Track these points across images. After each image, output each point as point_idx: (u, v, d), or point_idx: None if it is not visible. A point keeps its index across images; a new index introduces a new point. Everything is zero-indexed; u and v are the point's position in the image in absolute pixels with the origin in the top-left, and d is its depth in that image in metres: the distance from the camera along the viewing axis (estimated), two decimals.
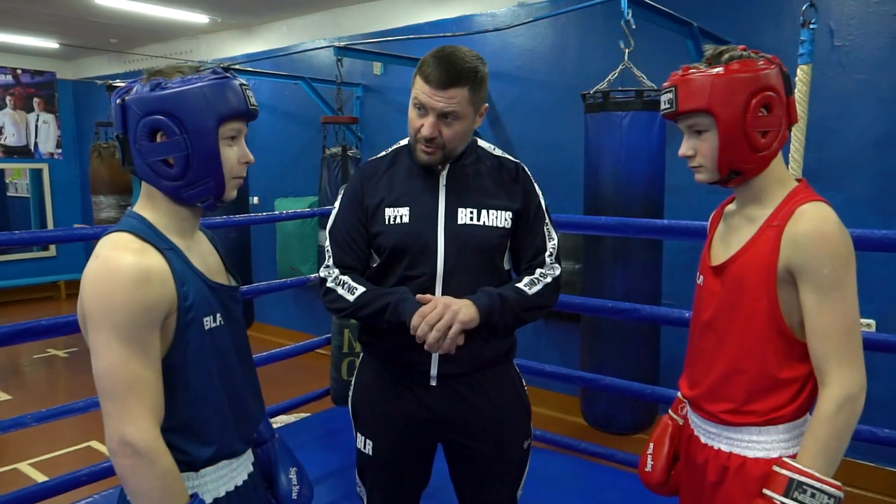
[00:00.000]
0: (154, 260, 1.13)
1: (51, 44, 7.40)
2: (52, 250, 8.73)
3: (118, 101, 1.16)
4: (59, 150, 8.74)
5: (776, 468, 1.26)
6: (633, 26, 2.89)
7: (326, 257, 1.67)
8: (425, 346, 1.47)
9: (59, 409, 2.50)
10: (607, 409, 3.00)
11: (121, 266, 1.08)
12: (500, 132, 4.72)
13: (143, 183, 1.20)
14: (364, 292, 1.58)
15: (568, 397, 4.26)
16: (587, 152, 2.94)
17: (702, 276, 1.44)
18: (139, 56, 7.60)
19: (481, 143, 1.74)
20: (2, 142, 8.24)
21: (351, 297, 1.58)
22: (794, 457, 1.28)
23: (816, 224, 1.26)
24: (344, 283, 1.61)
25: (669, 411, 1.60)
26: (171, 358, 1.14)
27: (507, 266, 1.71)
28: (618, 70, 2.97)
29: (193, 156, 1.15)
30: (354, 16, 5.66)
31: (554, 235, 1.72)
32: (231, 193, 1.22)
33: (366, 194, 1.65)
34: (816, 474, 1.22)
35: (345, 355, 3.07)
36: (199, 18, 6.13)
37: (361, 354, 1.78)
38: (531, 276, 1.65)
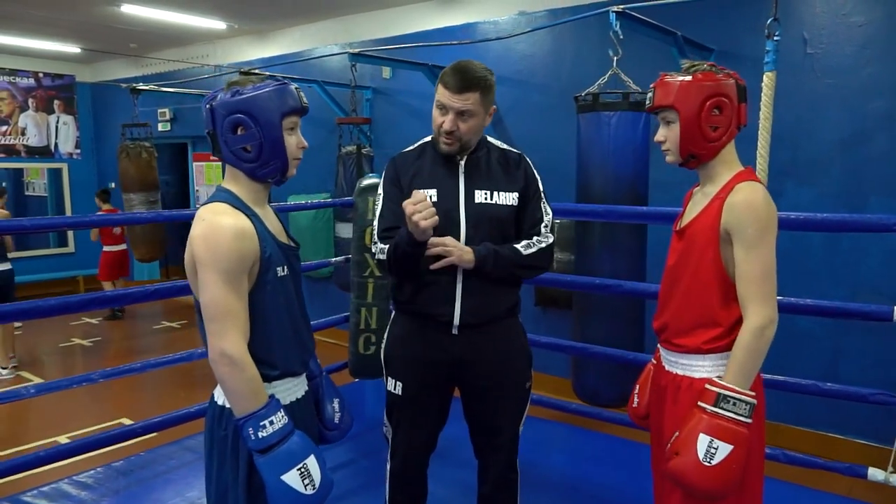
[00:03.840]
0: (245, 222, 1.50)
1: (73, 48, 7.74)
2: (71, 247, 9.07)
3: (207, 106, 1.54)
4: (78, 151, 9.09)
5: (707, 386, 1.62)
6: (621, 36, 3.22)
7: (373, 236, 2.08)
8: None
9: (124, 367, 2.85)
10: (595, 382, 3.32)
11: (223, 225, 1.46)
12: (501, 131, 5.05)
13: (228, 165, 1.58)
14: (387, 248, 1.99)
15: (561, 380, 4.58)
16: (579, 149, 3.26)
17: (672, 240, 1.84)
18: (157, 60, 7.95)
19: (490, 139, 2.13)
20: (24, 142, 8.59)
21: (384, 257, 2.01)
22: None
23: (746, 195, 1.63)
24: (382, 251, 2.02)
25: (652, 359, 1.95)
26: (253, 296, 1.52)
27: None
28: (607, 75, 3.30)
29: (265, 143, 1.52)
30: (364, 22, 6.00)
31: (549, 211, 2.12)
32: (292, 171, 1.61)
33: (401, 178, 2.04)
34: (737, 388, 1.59)
35: (361, 331, 3.38)
36: (217, 25, 6.47)
37: (393, 312, 2.16)
38: (528, 241, 2.05)
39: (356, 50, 4.58)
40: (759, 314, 1.59)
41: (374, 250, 2.08)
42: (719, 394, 1.59)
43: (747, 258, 1.60)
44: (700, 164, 1.72)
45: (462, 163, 2.02)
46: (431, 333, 2.02)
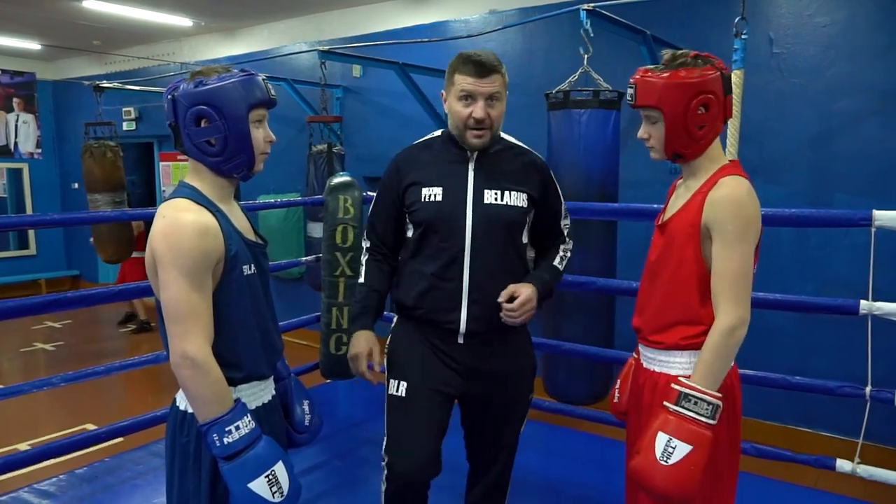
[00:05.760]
0: (209, 218, 1.43)
1: (33, 45, 7.53)
2: (32, 249, 8.84)
3: (169, 96, 1.46)
4: (39, 150, 8.85)
5: (672, 384, 1.58)
6: (592, 34, 3.22)
7: (368, 229, 2.06)
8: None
9: (86, 371, 2.76)
10: (566, 379, 3.32)
11: (185, 222, 1.39)
12: None
13: (191, 160, 1.51)
14: (356, 293, 2.07)
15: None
16: (549, 147, 3.25)
17: (654, 234, 1.79)
18: (121, 57, 7.77)
19: (503, 135, 2.00)
20: None
21: (360, 280, 2.06)
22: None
23: (729, 191, 1.57)
24: (360, 271, 2.06)
25: (633, 353, 1.90)
26: (218, 295, 1.45)
27: (525, 240, 1.99)
28: (578, 73, 3.30)
29: (230, 136, 1.45)
30: (334, 20, 5.94)
31: (568, 216, 2.09)
32: (259, 167, 1.54)
33: (402, 177, 1.94)
34: (700, 387, 1.54)
35: (333, 331, 3.34)
36: (183, 22, 6.35)
37: (396, 317, 2.05)
38: (560, 255, 2.02)
39: (325, 48, 4.52)
40: (730, 314, 1.55)
41: (362, 251, 2.07)
42: (681, 392, 1.55)
43: (724, 255, 1.56)
44: (686, 161, 1.68)
45: (472, 160, 1.91)
46: (436, 341, 1.92)
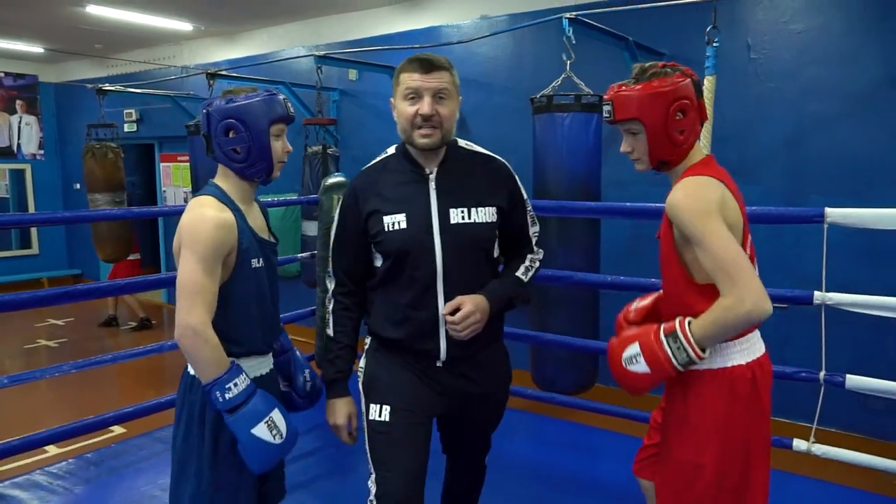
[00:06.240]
0: (227, 215, 1.69)
1: (36, 49, 7.68)
2: (35, 248, 8.98)
3: (204, 110, 1.72)
4: (42, 152, 9.00)
5: (678, 320, 1.63)
6: (574, 41, 3.39)
7: (330, 263, 1.94)
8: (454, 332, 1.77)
9: (94, 359, 2.92)
10: (554, 371, 3.48)
11: (207, 216, 1.66)
12: (464, 134, 5.19)
13: (219, 164, 1.76)
14: (324, 346, 1.93)
15: (521, 372, 4.73)
16: (534, 149, 3.43)
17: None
18: (123, 61, 7.93)
19: (462, 142, 1.91)
20: None
21: (328, 331, 1.91)
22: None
23: (676, 194, 1.61)
24: (328, 319, 1.91)
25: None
26: (229, 284, 1.69)
27: (496, 254, 1.91)
28: (561, 78, 3.47)
29: (253, 146, 1.70)
30: (331, 25, 6.10)
31: (536, 222, 1.99)
32: (277, 173, 1.78)
33: (361, 205, 1.83)
34: (691, 337, 1.59)
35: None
36: (184, 26, 6.50)
37: (370, 339, 1.94)
38: (525, 265, 1.93)
39: (321, 52, 4.68)
40: (730, 294, 1.55)
41: (327, 293, 1.95)
42: (675, 330, 1.61)
43: (702, 253, 1.58)
44: (671, 168, 1.71)
45: (433, 175, 1.81)
46: (415, 366, 1.86)
